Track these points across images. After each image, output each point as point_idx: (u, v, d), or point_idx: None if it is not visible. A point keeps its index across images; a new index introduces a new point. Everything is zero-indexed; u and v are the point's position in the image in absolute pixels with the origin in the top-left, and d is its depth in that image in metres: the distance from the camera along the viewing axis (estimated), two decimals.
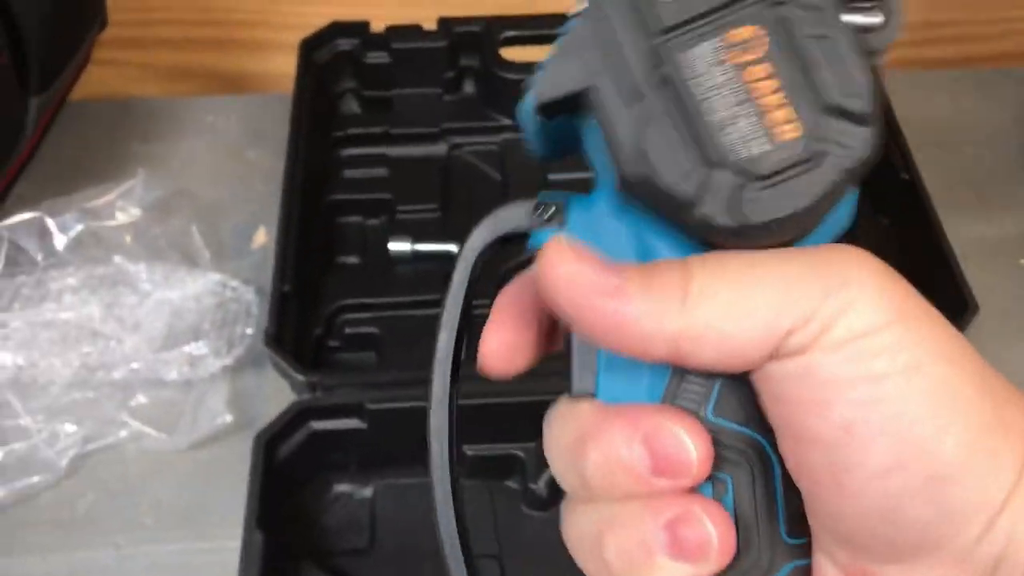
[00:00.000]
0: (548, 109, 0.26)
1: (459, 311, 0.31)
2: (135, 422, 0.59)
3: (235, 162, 0.74)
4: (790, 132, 0.24)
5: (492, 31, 0.71)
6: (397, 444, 0.55)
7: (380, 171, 0.70)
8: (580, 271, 0.25)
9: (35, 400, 0.59)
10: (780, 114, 0.24)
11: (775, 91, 0.24)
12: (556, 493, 0.55)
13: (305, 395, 0.54)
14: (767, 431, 0.26)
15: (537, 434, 0.54)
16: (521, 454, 0.56)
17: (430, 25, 0.73)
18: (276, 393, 0.61)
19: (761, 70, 0.24)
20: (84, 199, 0.66)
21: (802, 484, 0.25)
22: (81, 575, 0.55)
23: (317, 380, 0.54)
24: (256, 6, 0.90)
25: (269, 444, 0.52)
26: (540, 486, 0.55)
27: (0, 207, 0.67)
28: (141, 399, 0.60)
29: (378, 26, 0.73)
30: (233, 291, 0.63)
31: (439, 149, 0.72)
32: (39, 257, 0.63)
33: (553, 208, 0.28)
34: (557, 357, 0.29)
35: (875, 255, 0.25)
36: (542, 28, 0.71)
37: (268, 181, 0.72)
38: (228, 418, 0.58)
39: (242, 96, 0.79)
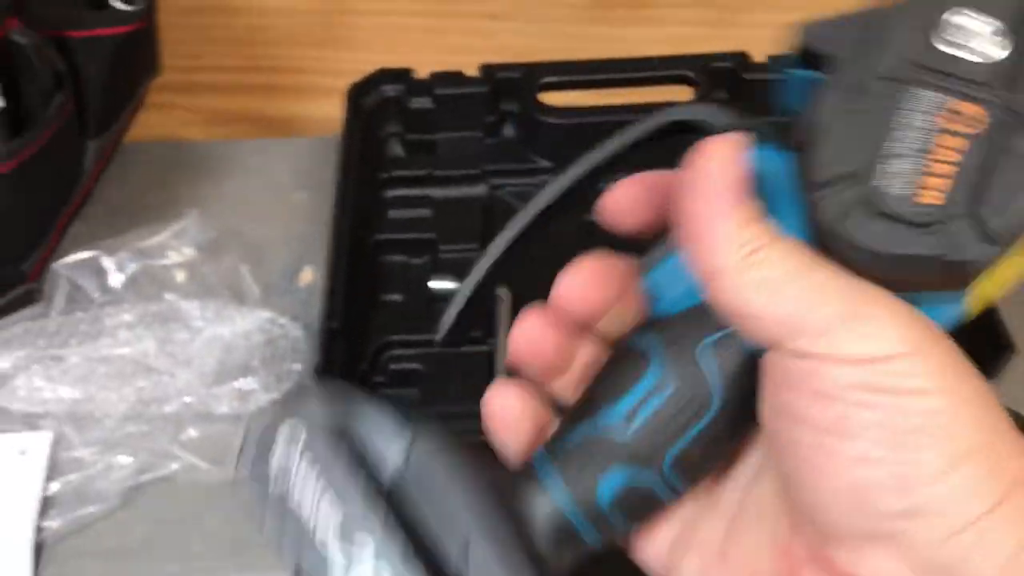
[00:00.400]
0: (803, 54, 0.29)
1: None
2: (187, 454, 0.60)
3: (282, 203, 0.76)
4: (933, 198, 0.26)
5: (532, 77, 0.73)
6: None
7: (424, 211, 0.72)
8: (721, 178, 0.28)
9: (91, 432, 0.61)
10: (938, 181, 0.27)
11: (951, 164, 0.27)
12: None
13: None
14: (735, 394, 0.30)
15: None
16: None
17: (472, 71, 0.75)
18: None
19: (956, 143, 0.27)
20: (138, 238, 0.68)
21: (786, 461, 0.28)
22: None
23: None
24: (301, 53, 0.93)
25: None
26: None
27: (57, 247, 0.70)
28: (192, 432, 0.62)
29: (422, 72, 0.75)
30: (281, 328, 0.65)
31: (480, 190, 0.74)
32: (96, 295, 0.65)
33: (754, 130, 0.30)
34: None
35: None
36: (579, 74, 0.73)
37: (314, 221, 0.74)
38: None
39: (288, 139, 0.82)
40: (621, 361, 0.33)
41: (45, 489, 0.60)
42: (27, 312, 0.63)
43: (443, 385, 0.63)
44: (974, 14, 0.28)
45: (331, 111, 0.90)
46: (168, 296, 0.66)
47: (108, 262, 0.65)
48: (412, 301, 0.68)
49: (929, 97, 0.27)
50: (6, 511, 0.59)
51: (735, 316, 0.28)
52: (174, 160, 0.79)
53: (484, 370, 0.64)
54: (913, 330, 0.26)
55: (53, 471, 0.60)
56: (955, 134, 0.27)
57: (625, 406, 0.31)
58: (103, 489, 0.60)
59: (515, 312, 0.67)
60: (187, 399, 0.61)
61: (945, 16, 0.28)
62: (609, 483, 0.31)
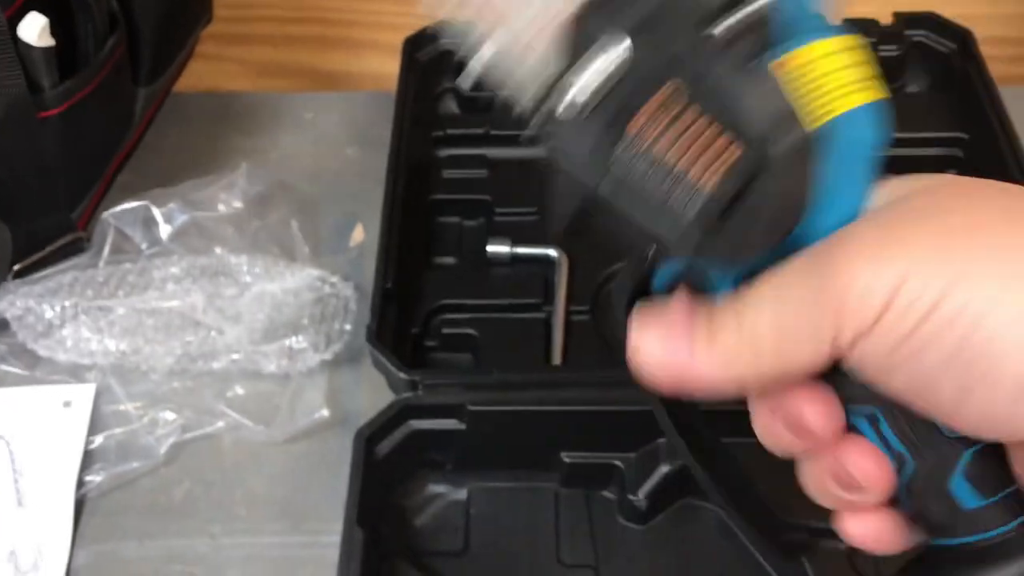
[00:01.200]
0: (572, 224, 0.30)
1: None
2: (233, 412, 0.59)
3: (333, 159, 0.74)
4: (734, 155, 0.26)
5: None
6: (494, 447, 0.55)
7: (479, 172, 0.69)
8: (654, 356, 0.30)
9: (136, 386, 0.60)
10: (720, 143, 0.26)
11: (709, 126, 0.26)
12: (656, 506, 0.54)
13: (406, 393, 0.54)
14: None
15: (637, 444, 0.53)
16: (620, 464, 0.55)
17: None
18: (371, 390, 0.61)
19: (692, 113, 0.27)
20: (187, 190, 0.66)
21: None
22: (177, 561, 0.55)
23: (419, 379, 0.53)
24: (353, 5, 0.90)
25: (369, 441, 0.52)
26: (640, 498, 0.54)
27: (106, 195, 0.68)
28: (238, 390, 0.60)
29: None
30: (332, 287, 0.63)
31: (537, 152, 0.71)
32: (144, 246, 0.64)
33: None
34: None
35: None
36: None
37: (366, 178, 0.72)
38: (325, 413, 0.58)
39: (341, 93, 0.80)
40: None
41: (88, 442, 0.58)
42: (75, 261, 0.61)
43: (498, 351, 0.61)
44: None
45: (383, 66, 0.88)
46: (217, 250, 0.64)
47: (157, 213, 0.64)
48: (465, 264, 0.66)
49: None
50: (49, 463, 0.57)
51: (783, 380, 0.29)
52: (224, 111, 0.77)
53: (540, 337, 0.61)
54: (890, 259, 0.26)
55: (97, 424, 0.59)
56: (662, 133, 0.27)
57: None
58: (147, 444, 0.58)
59: (572, 275, 0.65)
60: (235, 356, 0.59)
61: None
62: None
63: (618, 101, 0.27)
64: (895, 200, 0.28)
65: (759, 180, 0.26)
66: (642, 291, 0.32)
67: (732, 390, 0.29)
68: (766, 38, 0.27)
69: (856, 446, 0.30)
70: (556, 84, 0.28)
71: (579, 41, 0.28)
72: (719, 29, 0.27)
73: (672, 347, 0.29)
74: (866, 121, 0.28)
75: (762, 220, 0.27)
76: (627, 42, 0.27)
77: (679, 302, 0.30)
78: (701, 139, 0.26)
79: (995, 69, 0.69)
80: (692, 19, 0.27)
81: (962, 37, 0.70)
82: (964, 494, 0.29)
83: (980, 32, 0.71)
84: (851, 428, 0.30)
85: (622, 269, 0.32)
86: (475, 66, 0.31)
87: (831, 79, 0.27)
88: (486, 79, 0.32)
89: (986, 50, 0.70)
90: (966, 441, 0.28)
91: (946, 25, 0.71)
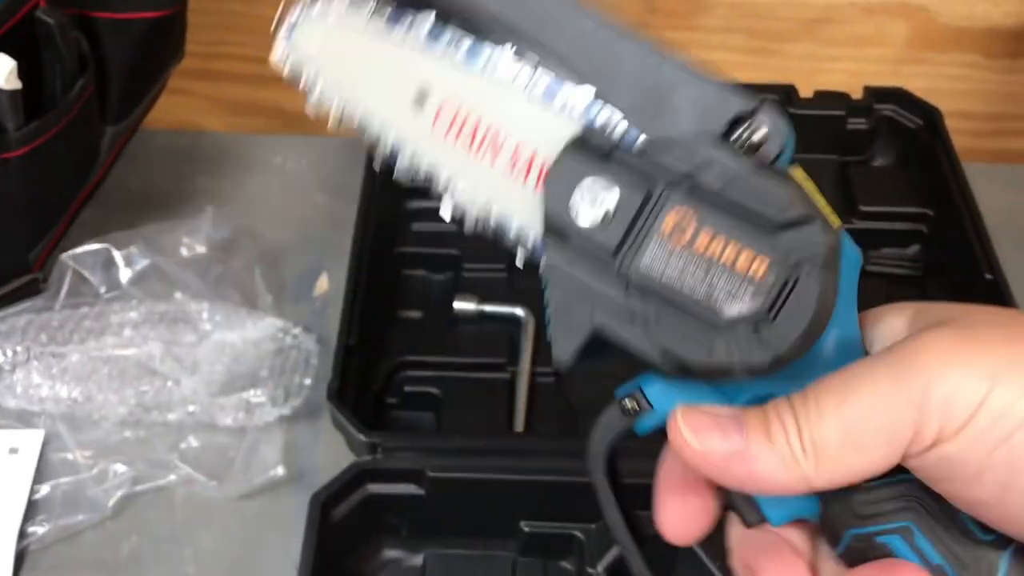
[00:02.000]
0: (577, 361, 0.30)
1: (622, 522, 0.33)
2: (186, 466, 0.57)
3: (301, 205, 0.73)
4: (761, 268, 0.27)
5: None
6: (453, 513, 0.54)
7: (449, 225, 0.68)
8: (707, 444, 0.28)
9: (86, 434, 0.58)
10: (743, 260, 0.27)
11: (726, 246, 0.27)
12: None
13: (364, 455, 0.53)
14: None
15: (598, 515, 0.53)
16: (580, 535, 0.54)
17: None
18: (329, 446, 0.60)
19: (705, 236, 0.27)
20: (150, 233, 0.65)
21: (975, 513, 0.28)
22: None
23: (378, 441, 0.52)
24: None
25: (325, 505, 0.51)
26: (598, 571, 0.53)
27: (66, 234, 0.67)
28: (193, 443, 0.59)
29: None
30: (294, 338, 0.62)
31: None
32: (102, 289, 0.62)
33: (634, 400, 0.31)
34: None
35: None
36: None
37: (333, 226, 0.71)
38: (280, 471, 0.57)
39: (312, 137, 0.79)
40: None
41: (33, 492, 0.56)
42: (29, 303, 0.60)
43: (460, 412, 0.60)
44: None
45: None
46: (177, 295, 0.62)
47: (117, 256, 0.62)
48: (431, 319, 0.66)
49: (650, 251, 0.28)
50: None
51: (851, 479, 0.28)
52: (191, 151, 0.76)
53: (504, 397, 0.61)
54: (980, 368, 0.26)
55: (43, 473, 0.57)
56: (695, 235, 0.28)
57: None
58: (94, 496, 0.56)
59: (539, 336, 0.64)
60: (191, 408, 0.58)
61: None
62: None
63: (636, 219, 0.28)
64: (940, 319, 0.28)
65: (805, 277, 0.26)
66: (624, 437, 0.32)
67: (798, 489, 0.28)
68: (769, 155, 0.28)
69: (902, 569, 0.29)
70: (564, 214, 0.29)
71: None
72: (734, 139, 0.28)
73: (725, 441, 0.28)
74: (850, 242, 0.29)
75: (805, 319, 0.27)
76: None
77: (722, 407, 0.29)
78: (732, 246, 0.27)
79: (961, 143, 0.70)
80: (709, 135, 0.28)
81: (930, 114, 0.71)
82: None
83: (947, 106, 0.72)
84: (875, 551, 0.29)
85: (605, 414, 0.32)
86: (445, 212, 0.34)
87: (816, 198, 0.27)
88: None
89: (952, 123, 0.71)
90: (1000, 543, 0.28)
91: (914, 101, 0.72)
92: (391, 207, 0.69)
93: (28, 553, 0.55)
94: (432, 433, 0.59)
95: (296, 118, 0.88)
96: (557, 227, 0.29)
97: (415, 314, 0.66)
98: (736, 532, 0.33)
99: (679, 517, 0.32)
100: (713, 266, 0.27)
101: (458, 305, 0.64)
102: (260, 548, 0.56)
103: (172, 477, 0.57)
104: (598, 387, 0.33)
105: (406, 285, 0.67)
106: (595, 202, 0.28)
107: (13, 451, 0.58)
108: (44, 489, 0.57)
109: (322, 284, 0.68)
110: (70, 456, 0.58)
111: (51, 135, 0.55)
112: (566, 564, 0.55)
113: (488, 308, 0.64)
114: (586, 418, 0.60)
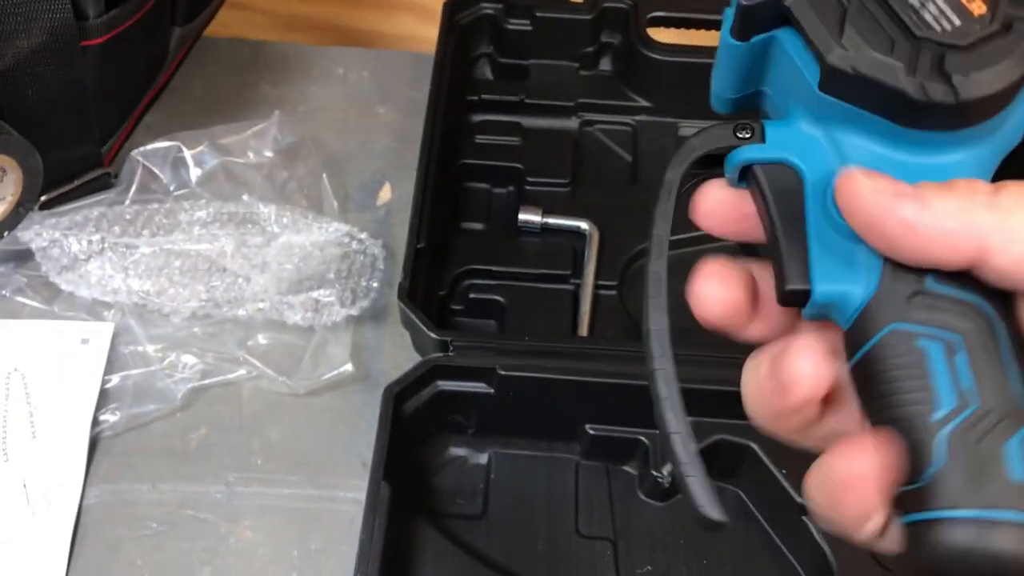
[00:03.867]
0: (749, 18, 0.28)
1: (667, 236, 0.30)
2: (255, 361, 0.58)
3: (363, 115, 0.73)
4: (978, 9, 0.26)
5: (640, 8, 0.70)
6: (519, 413, 0.55)
7: (512, 139, 0.69)
8: (880, 184, 0.26)
9: (156, 329, 0.59)
10: None
11: None
12: (677, 486, 0.54)
13: (435, 353, 0.53)
14: (991, 297, 0.26)
15: None
16: (645, 440, 0.55)
17: None
18: (394, 349, 0.61)
19: None
20: (217, 134, 0.65)
21: None
22: (189, 507, 0.55)
23: (450, 340, 0.53)
24: None
25: (398, 398, 0.51)
26: (663, 475, 0.53)
27: (132, 132, 0.67)
28: (261, 340, 0.60)
29: None
30: (360, 243, 0.62)
31: (571, 124, 0.71)
32: (172, 187, 0.63)
33: (751, 129, 0.29)
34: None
35: None
36: (693, 11, 0.69)
37: (395, 138, 0.71)
38: (349, 368, 0.58)
39: (373, 50, 0.78)
40: None
41: (105, 381, 0.57)
42: (101, 197, 0.60)
43: (524, 320, 0.60)
44: None
45: (411, 27, 0.87)
46: (245, 197, 0.63)
47: (187, 154, 0.62)
48: (494, 231, 0.66)
49: None
50: (64, 399, 0.57)
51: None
52: (255, 59, 0.75)
53: (567, 309, 0.61)
54: None
55: (114, 364, 0.58)
56: None
57: None
58: (164, 388, 0.57)
59: (602, 249, 0.64)
60: (260, 305, 0.59)
61: None
62: None
63: None
64: None
65: (1017, 32, 0.26)
66: (709, 161, 0.30)
67: (944, 231, 0.25)
68: None
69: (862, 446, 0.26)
70: None
71: None
72: None
73: (898, 185, 0.26)
74: None
75: (1002, 76, 0.26)
76: None
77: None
78: None
79: None
80: None
81: None
82: (1016, 462, 0.25)
83: None
84: (904, 356, 0.26)
85: (712, 127, 0.30)
86: None
87: None
88: None
89: None
90: None
91: None
92: (455, 120, 0.68)
93: (101, 439, 0.56)
94: (502, 333, 0.59)
95: (353, 34, 0.89)
96: None
97: (478, 226, 0.66)
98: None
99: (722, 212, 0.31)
100: None
101: (523, 216, 0.64)
102: (327, 442, 0.57)
103: (241, 372, 0.58)
104: None
105: (469, 197, 0.67)
106: None
107: (85, 341, 0.59)
108: (115, 379, 0.58)
109: (385, 193, 0.68)
110: (140, 348, 0.58)
111: (128, 25, 0.55)
112: (628, 468, 0.56)
113: (552, 220, 0.64)
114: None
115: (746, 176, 0.30)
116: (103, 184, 0.61)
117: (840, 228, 0.28)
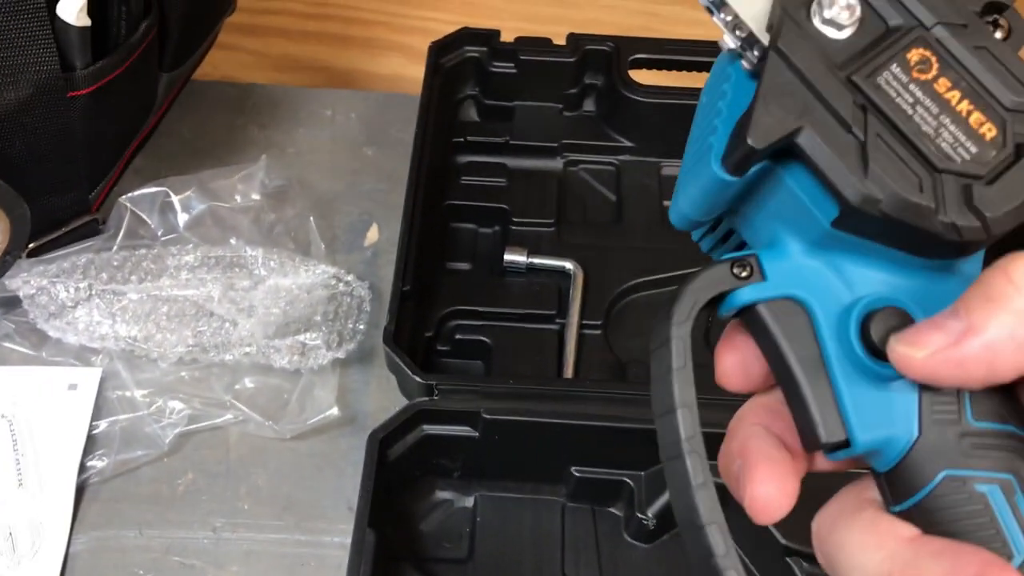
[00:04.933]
0: (751, 158, 0.26)
1: (695, 403, 0.27)
2: (241, 406, 0.58)
3: (351, 157, 0.74)
4: (989, 133, 0.26)
5: (622, 51, 0.71)
6: (505, 456, 0.55)
7: (498, 180, 0.69)
8: (930, 345, 0.25)
9: (143, 374, 0.59)
10: (975, 118, 0.26)
11: (961, 99, 0.26)
12: (664, 526, 0.54)
13: (420, 397, 0.54)
14: (1021, 418, 0.26)
15: (648, 462, 0.53)
16: (629, 481, 0.55)
17: (558, 40, 0.72)
18: (380, 392, 0.61)
19: (944, 83, 0.26)
20: (205, 179, 0.66)
21: None
22: (176, 553, 0.55)
23: (435, 383, 0.53)
24: (375, 6, 0.90)
25: (384, 443, 0.52)
26: (649, 517, 0.54)
27: (120, 177, 0.67)
28: (248, 384, 0.60)
29: (506, 37, 0.73)
30: (346, 285, 0.63)
31: (556, 164, 0.72)
32: (159, 232, 0.63)
33: (749, 266, 0.28)
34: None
35: None
36: (673, 53, 0.70)
37: (383, 179, 0.72)
38: (335, 412, 0.58)
39: (360, 92, 0.79)
40: None
41: (92, 427, 0.58)
42: (89, 243, 0.61)
43: (510, 361, 0.61)
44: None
45: (398, 68, 0.88)
46: (232, 241, 0.63)
47: (175, 199, 0.63)
48: (480, 271, 0.66)
49: (892, 73, 0.26)
50: (51, 446, 0.57)
51: None
52: (242, 102, 0.76)
53: (553, 349, 0.62)
54: None
55: (101, 410, 0.58)
56: (935, 79, 0.26)
57: None
58: (152, 433, 0.58)
59: (586, 289, 0.65)
60: (247, 349, 0.59)
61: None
62: None
63: (882, 39, 0.26)
64: None
65: None
66: (711, 304, 0.29)
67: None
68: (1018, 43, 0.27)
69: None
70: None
71: None
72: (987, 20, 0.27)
73: (951, 329, 0.25)
74: None
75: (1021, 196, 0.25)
76: None
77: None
78: (967, 103, 0.26)
79: None
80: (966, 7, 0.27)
81: None
82: None
83: None
84: (965, 504, 0.26)
85: (710, 269, 0.28)
86: None
87: None
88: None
89: None
90: None
91: None
92: (441, 161, 0.69)
93: (88, 486, 0.57)
94: (487, 376, 0.60)
95: (340, 75, 0.90)
96: (795, 16, 0.26)
97: (464, 266, 0.67)
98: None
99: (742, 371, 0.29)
100: (946, 111, 0.26)
101: (508, 257, 0.65)
102: (313, 487, 0.57)
103: (228, 416, 0.58)
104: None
105: (455, 238, 0.68)
106: (847, 7, 0.27)
107: (72, 387, 0.59)
108: (103, 425, 0.58)
109: (372, 234, 0.69)
110: (128, 394, 0.59)
111: (116, 74, 0.56)
112: (614, 510, 0.56)
113: (537, 260, 0.65)
114: (635, 369, 0.61)
115: (742, 315, 0.28)
116: (91, 231, 0.61)
117: (867, 369, 0.27)
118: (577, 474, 0.55)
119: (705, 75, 0.31)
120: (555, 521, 0.56)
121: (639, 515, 0.54)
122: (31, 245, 0.59)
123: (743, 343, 0.29)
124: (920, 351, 0.25)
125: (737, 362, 0.29)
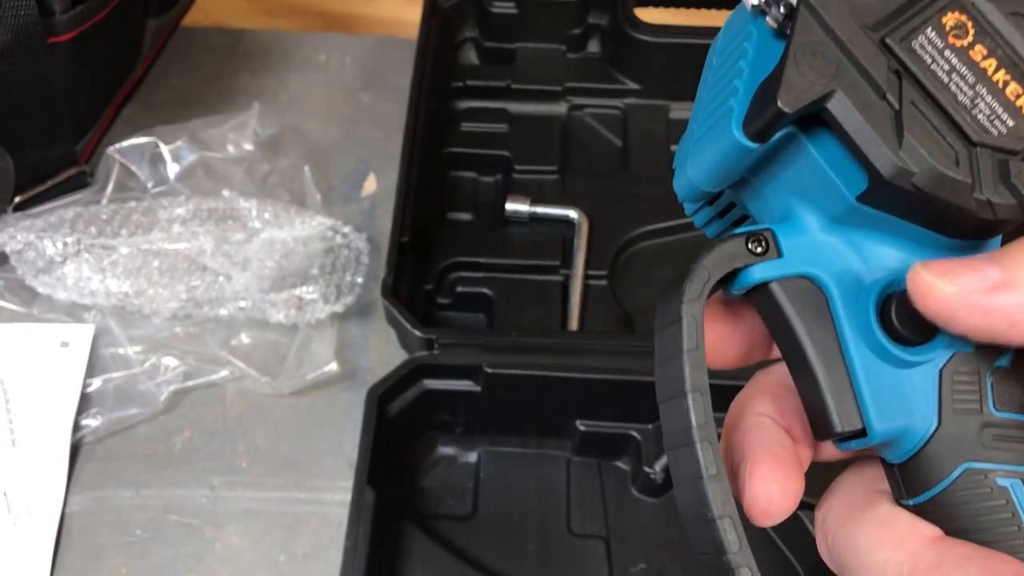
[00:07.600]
0: (777, 122, 0.24)
1: (706, 386, 0.25)
2: (238, 361, 0.57)
3: (346, 104, 0.71)
4: None
5: None
6: (508, 411, 0.53)
7: (499, 126, 0.67)
8: (960, 283, 0.23)
9: (137, 330, 0.58)
10: (1012, 89, 0.24)
11: (998, 68, 0.24)
12: (671, 480, 0.53)
13: (420, 352, 0.52)
14: None
15: (654, 416, 0.51)
16: (637, 435, 0.53)
17: None
18: (380, 345, 0.59)
19: (980, 50, 0.24)
20: (196, 128, 0.64)
21: None
22: (174, 512, 0.54)
23: (435, 337, 0.52)
24: None
25: (383, 399, 0.50)
26: (656, 470, 0.52)
27: (109, 128, 0.65)
28: (244, 339, 0.58)
29: None
30: (344, 237, 0.61)
31: (559, 109, 0.69)
32: (149, 184, 0.61)
33: (765, 241, 0.26)
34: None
35: None
36: None
37: (380, 126, 0.70)
38: (334, 367, 0.56)
39: (354, 36, 0.77)
40: None
41: (86, 385, 0.56)
42: (77, 196, 0.59)
43: (513, 313, 0.59)
44: None
45: (394, 10, 0.85)
46: (225, 192, 0.61)
47: (165, 150, 0.61)
48: (481, 221, 0.64)
49: (928, 37, 0.24)
50: (45, 405, 0.55)
51: None
52: (233, 48, 0.74)
53: (556, 300, 0.60)
54: None
55: (95, 367, 0.57)
56: (970, 46, 0.24)
57: None
58: (147, 391, 0.56)
59: (591, 239, 0.63)
60: (242, 303, 0.57)
61: None
62: None
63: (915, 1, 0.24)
64: None
65: None
66: (718, 285, 0.27)
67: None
68: None
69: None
70: None
71: None
72: None
73: (979, 276, 0.23)
74: None
75: None
76: None
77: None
78: (1004, 72, 0.24)
79: None
80: None
81: None
82: None
83: None
84: (985, 498, 0.25)
85: (724, 243, 0.26)
86: None
87: None
88: None
89: None
90: None
91: None
92: (439, 107, 0.67)
93: (83, 445, 0.55)
94: (489, 330, 0.58)
95: (334, 18, 0.87)
96: None
97: (465, 216, 0.65)
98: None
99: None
100: (983, 80, 0.24)
101: (510, 206, 0.63)
102: (312, 443, 0.56)
103: (224, 372, 0.57)
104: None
105: (455, 187, 0.66)
106: None
107: (65, 344, 0.57)
108: (96, 383, 0.57)
109: (370, 184, 0.66)
110: (121, 351, 0.57)
111: (97, 19, 0.53)
112: (621, 464, 0.55)
113: (540, 209, 0.63)
114: (641, 320, 0.59)
115: (753, 293, 0.26)
116: (79, 183, 0.59)
117: (885, 353, 0.25)
118: (582, 428, 0.54)
119: (715, 12, 0.28)
120: (560, 476, 0.54)
121: (646, 469, 0.52)
122: (17, 199, 0.57)
123: (721, 319, 0.28)
124: (949, 286, 0.23)
125: (714, 340, 0.28)
